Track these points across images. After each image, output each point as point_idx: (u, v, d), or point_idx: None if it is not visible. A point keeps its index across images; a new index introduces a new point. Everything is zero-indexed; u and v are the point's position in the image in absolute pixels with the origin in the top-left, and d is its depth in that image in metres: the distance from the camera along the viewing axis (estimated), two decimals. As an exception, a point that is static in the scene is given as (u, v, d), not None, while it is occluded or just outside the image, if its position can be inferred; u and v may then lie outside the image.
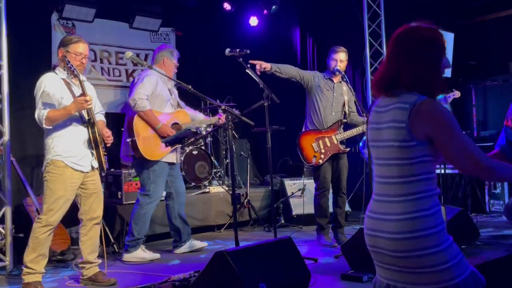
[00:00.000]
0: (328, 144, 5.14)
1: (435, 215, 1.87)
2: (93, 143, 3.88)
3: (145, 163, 4.80)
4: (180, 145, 4.55)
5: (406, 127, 1.86)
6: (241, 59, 4.36)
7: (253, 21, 8.70)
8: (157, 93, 4.81)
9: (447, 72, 8.73)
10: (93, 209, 4.02)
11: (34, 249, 3.79)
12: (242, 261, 2.86)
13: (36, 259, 3.81)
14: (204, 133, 4.78)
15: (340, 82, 5.20)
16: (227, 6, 8.21)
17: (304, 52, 8.78)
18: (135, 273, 4.41)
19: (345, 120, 5.25)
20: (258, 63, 4.83)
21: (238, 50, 4.38)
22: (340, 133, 5.17)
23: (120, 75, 7.77)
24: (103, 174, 4.07)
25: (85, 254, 4.04)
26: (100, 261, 4.21)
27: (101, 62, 7.59)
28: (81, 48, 3.94)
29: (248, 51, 4.41)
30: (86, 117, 3.88)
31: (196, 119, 5.16)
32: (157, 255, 4.97)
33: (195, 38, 8.37)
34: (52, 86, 3.80)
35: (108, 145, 4.03)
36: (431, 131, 1.85)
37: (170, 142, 4.28)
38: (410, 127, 1.86)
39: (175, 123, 4.94)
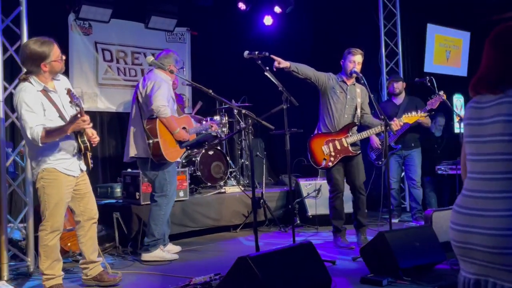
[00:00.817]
0: (338, 147, 5.16)
1: None
2: (82, 150, 3.86)
3: (162, 164, 4.85)
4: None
5: None
6: (259, 62, 4.36)
7: (268, 20, 8.70)
8: (168, 98, 4.89)
9: (463, 71, 8.69)
10: (89, 209, 4.06)
11: (47, 256, 3.81)
12: (264, 266, 2.88)
13: (51, 265, 3.83)
14: (224, 136, 4.77)
15: (354, 84, 5.19)
16: (242, 5, 8.22)
17: (318, 52, 8.74)
18: (154, 274, 4.44)
19: (357, 123, 5.23)
20: (278, 60, 4.86)
21: (257, 52, 4.37)
22: (350, 135, 5.16)
23: (136, 75, 7.82)
24: (87, 171, 4.06)
25: (87, 254, 4.06)
26: (101, 259, 4.25)
27: (117, 62, 7.65)
28: (57, 49, 3.76)
29: (267, 54, 4.41)
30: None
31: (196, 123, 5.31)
32: (175, 256, 5.04)
33: (210, 37, 8.40)
34: (32, 100, 3.60)
35: (94, 145, 3.93)
36: None
37: (191, 146, 4.32)
38: None
39: (183, 128, 5.01)
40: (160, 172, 4.87)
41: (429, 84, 6.01)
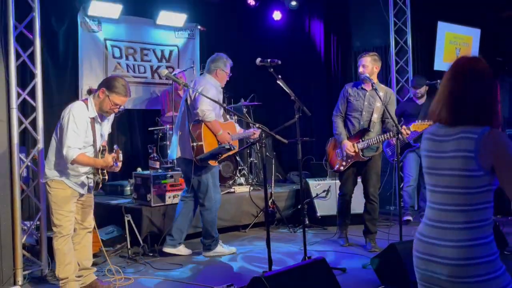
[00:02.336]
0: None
1: (491, 243, 1.98)
2: (97, 178, 4.04)
3: (204, 167, 5.00)
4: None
5: (475, 157, 1.93)
6: (271, 70, 4.36)
7: (277, 15, 8.68)
8: (214, 104, 4.95)
9: (473, 69, 8.62)
10: (87, 221, 4.21)
11: (60, 261, 3.97)
12: (279, 285, 2.92)
13: (64, 269, 3.96)
14: (237, 149, 4.79)
15: (375, 89, 5.02)
16: (251, 1, 8.20)
17: (328, 47, 8.73)
18: (166, 280, 4.49)
19: (371, 130, 5.21)
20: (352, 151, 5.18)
21: (269, 60, 4.36)
22: (362, 141, 5.18)
23: (145, 72, 7.83)
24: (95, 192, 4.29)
25: (81, 261, 4.17)
26: (95, 268, 4.36)
27: (127, 59, 7.65)
28: (121, 101, 3.96)
29: (280, 62, 4.39)
30: (100, 148, 4.02)
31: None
32: (233, 249, 5.37)
33: (220, 33, 8.36)
34: (80, 122, 3.84)
35: (116, 170, 4.05)
36: (495, 161, 1.92)
37: (205, 158, 4.35)
38: (478, 157, 1.92)
39: (227, 133, 5.14)
40: (204, 175, 5.04)
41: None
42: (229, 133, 5.13)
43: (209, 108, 4.89)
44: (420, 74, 6.69)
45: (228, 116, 5.37)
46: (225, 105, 5.12)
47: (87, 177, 4.06)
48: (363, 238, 5.47)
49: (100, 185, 4.13)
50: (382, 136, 5.14)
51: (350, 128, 5.29)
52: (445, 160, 2.02)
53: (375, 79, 5.17)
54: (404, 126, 5.04)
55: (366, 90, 5.24)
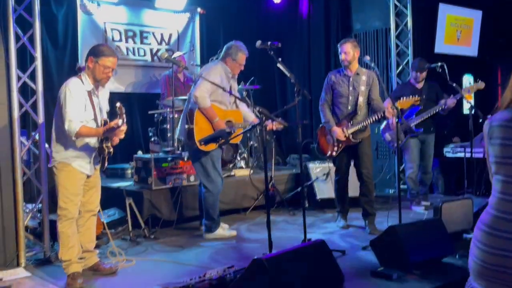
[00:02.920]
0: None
1: None
2: (104, 154, 4.02)
3: (209, 152, 5.03)
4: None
5: None
6: (272, 52, 4.34)
7: (277, -2, 8.61)
8: (217, 90, 4.92)
9: (474, 51, 8.62)
10: (91, 201, 4.21)
11: (63, 244, 3.99)
12: (279, 268, 2.95)
13: (68, 252, 3.99)
14: (238, 134, 4.81)
15: (358, 74, 5.24)
16: (251, -17, 8.13)
17: (328, 30, 8.68)
18: (167, 261, 4.53)
19: (358, 113, 5.28)
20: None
21: (269, 43, 4.35)
22: (351, 125, 5.28)
23: (145, 55, 7.82)
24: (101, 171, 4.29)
25: (84, 244, 4.20)
26: (97, 251, 4.39)
27: (126, 42, 7.64)
28: (111, 62, 3.94)
29: (280, 45, 4.38)
30: (102, 122, 4.00)
31: (248, 119, 5.34)
32: (233, 232, 5.42)
33: (219, 16, 8.33)
34: (78, 96, 3.85)
35: (122, 130, 4.00)
36: None
37: (205, 141, 4.37)
38: None
39: (229, 121, 5.16)
40: (204, 158, 5.07)
41: (440, 70, 5.99)
42: (230, 121, 5.13)
43: (204, 95, 4.89)
44: (421, 57, 6.65)
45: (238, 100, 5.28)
46: (235, 93, 5.05)
47: (94, 157, 4.05)
48: (362, 221, 5.52)
49: (106, 162, 4.10)
50: (371, 117, 5.25)
51: (338, 114, 5.39)
52: None
53: (356, 64, 5.31)
54: (389, 105, 5.06)
55: (349, 76, 5.33)
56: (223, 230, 5.36)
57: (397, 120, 4.77)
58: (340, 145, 5.36)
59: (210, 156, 5.06)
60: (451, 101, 6.08)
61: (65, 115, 3.78)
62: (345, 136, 5.28)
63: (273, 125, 4.79)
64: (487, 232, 1.97)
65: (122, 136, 3.97)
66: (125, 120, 3.77)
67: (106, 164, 4.14)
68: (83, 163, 3.99)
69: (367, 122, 5.27)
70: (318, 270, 3.17)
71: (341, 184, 5.55)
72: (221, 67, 5.09)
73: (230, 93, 4.66)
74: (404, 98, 5.14)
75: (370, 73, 5.38)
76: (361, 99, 5.28)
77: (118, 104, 3.81)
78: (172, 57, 5.13)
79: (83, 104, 3.87)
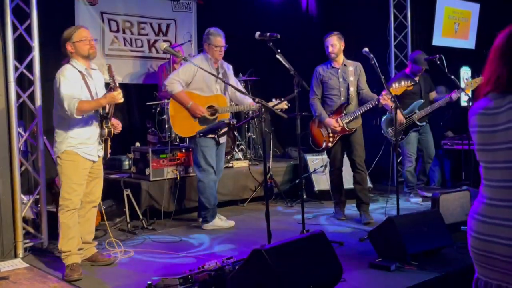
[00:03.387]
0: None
1: None
2: (105, 136, 4.05)
3: (196, 140, 5.15)
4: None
5: None
6: (271, 44, 4.32)
7: (275, -10, 8.57)
8: (197, 78, 5.11)
9: (471, 44, 8.62)
10: (93, 193, 4.20)
11: (64, 235, 3.98)
12: (278, 258, 2.95)
13: (68, 243, 3.98)
14: (236, 124, 4.80)
15: (345, 65, 5.38)
16: (249, -25, 8.08)
17: (325, 23, 8.64)
18: (165, 252, 4.54)
19: (351, 102, 5.38)
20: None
21: (268, 34, 4.32)
22: (344, 114, 5.35)
23: (142, 46, 7.76)
24: (104, 162, 4.32)
25: (83, 235, 4.19)
26: (96, 242, 4.38)
27: (124, 32, 7.57)
28: (84, 32, 4.01)
29: (279, 36, 4.36)
30: (102, 112, 4.01)
31: (243, 103, 5.33)
32: (232, 223, 5.43)
33: (217, 7, 8.26)
34: (72, 78, 3.88)
35: (117, 132, 4.17)
36: None
37: (204, 132, 4.37)
38: None
39: (211, 106, 5.16)
40: (195, 147, 5.19)
41: (438, 62, 5.99)
42: (213, 106, 5.14)
43: (171, 82, 5.05)
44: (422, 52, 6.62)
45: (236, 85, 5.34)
46: (220, 76, 5.12)
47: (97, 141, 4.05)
48: (357, 212, 5.54)
49: (110, 149, 4.13)
50: (365, 107, 5.30)
51: (332, 106, 5.45)
52: (500, 133, 1.90)
53: (342, 56, 5.45)
54: (383, 92, 5.08)
55: (337, 68, 5.44)
56: (221, 220, 5.38)
57: (394, 106, 4.79)
58: (336, 135, 5.42)
59: (199, 146, 5.12)
60: (455, 95, 6.08)
61: (62, 98, 3.79)
62: (340, 126, 5.31)
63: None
64: (477, 219, 1.99)
65: (120, 100, 3.91)
66: (116, 81, 3.87)
67: (109, 152, 4.15)
68: (87, 150, 3.98)
69: (361, 112, 5.34)
70: (317, 261, 3.17)
71: (336, 174, 5.59)
72: (200, 57, 5.23)
73: (224, 81, 4.67)
74: (396, 84, 5.21)
75: (356, 63, 5.52)
76: (352, 89, 5.40)
77: (107, 64, 3.93)
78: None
79: (78, 85, 3.88)
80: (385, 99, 5.09)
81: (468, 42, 8.58)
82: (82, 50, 3.95)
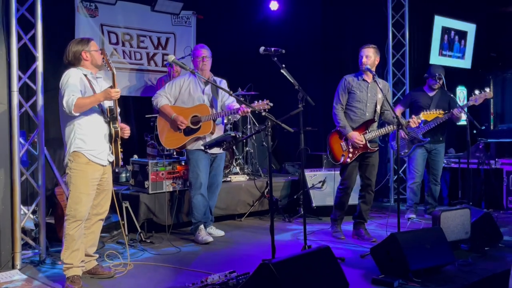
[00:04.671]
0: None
1: None
2: (114, 138, 4.02)
3: (187, 153, 5.38)
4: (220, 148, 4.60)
5: None
6: (275, 59, 4.34)
7: (273, 5, 8.61)
8: (183, 91, 5.36)
9: (467, 64, 8.73)
10: (101, 205, 4.16)
11: (68, 246, 3.93)
12: (286, 272, 2.94)
13: (71, 255, 3.93)
14: (242, 137, 4.80)
15: (375, 81, 5.12)
16: (249, -10, 8.14)
17: (326, 40, 8.72)
18: (166, 266, 4.49)
19: (376, 120, 5.28)
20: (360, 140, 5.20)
21: (273, 49, 4.35)
22: (369, 132, 5.21)
23: (141, 59, 7.76)
24: (116, 170, 4.22)
25: (86, 247, 4.15)
26: (97, 255, 4.34)
27: (123, 45, 7.58)
28: (95, 43, 4.15)
29: (283, 51, 4.39)
30: (109, 114, 4.00)
31: (224, 109, 5.40)
32: (221, 232, 5.63)
33: (216, 21, 8.32)
34: (76, 78, 3.93)
35: (126, 137, 4.15)
36: None
37: (210, 145, 4.36)
38: None
39: (195, 116, 5.25)
40: (188, 160, 5.38)
41: (438, 80, 6.04)
42: (196, 116, 5.23)
43: (157, 96, 5.34)
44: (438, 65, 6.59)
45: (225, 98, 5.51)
46: (207, 90, 5.41)
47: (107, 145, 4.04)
48: (350, 228, 5.53)
49: (121, 154, 4.09)
50: (388, 127, 5.21)
51: (353, 119, 5.28)
52: None
53: (373, 71, 5.22)
54: (413, 116, 5.13)
55: (368, 82, 5.27)
56: (207, 234, 5.37)
57: (396, 123, 4.78)
58: (356, 152, 5.23)
59: (187, 159, 5.38)
60: (459, 112, 6.02)
61: (63, 95, 3.83)
62: (363, 141, 5.20)
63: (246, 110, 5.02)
64: None
65: (115, 95, 3.86)
66: (112, 67, 3.94)
67: (121, 158, 4.09)
68: (95, 152, 3.94)
69: (385, 131, 5.22)
70: (324, 276, 3.16)
71: (346, 193, 5.36)
72: (187, 75, 5.44)
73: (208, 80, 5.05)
74: (428, 110, 5.27)
75: (385, 82, 5.42)
76: (378, 107, 5.27)
77: (100, 49, 4.05)
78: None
79: (82, 85, 3.92)
80: (415, 122, 5.09)
81: (465, 61, 8.69)
82: (97, 59, 4.06)
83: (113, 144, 4.04)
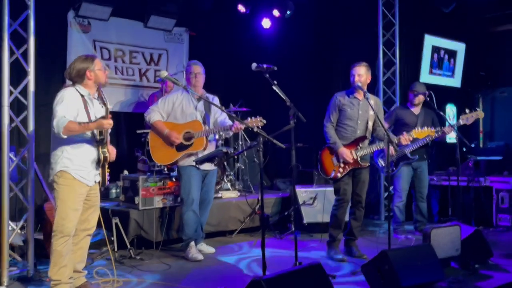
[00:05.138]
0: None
1: None
2: (101, 161, 4.02)
3: (178, 169, 5.35)
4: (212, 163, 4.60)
5: None
6: (267, 75, 4.37)
7: (266, 23, 8.69)
8: (176, 107, 5.34)
9: (457, 82, 8.82)
10: (88, 220, 4.14)
11: (55, 262, 3.90)
12: (277, 289, 2.93)
13: (59, 271, 3.90)
14: (234, 153, 4.81)
15: (367, 98, 5.11)
16: (241, 8, 8.21)
17: (317, 58, 8.79)
18: (157, 283, 4.46)
19: (368, 137, 5.30)
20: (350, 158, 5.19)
21: (265, 66, 4.39)
22: (360, 148, 5.22)
23: (133, 74, 7.79)
24: (102, 189, 4.25)
25: (74, 263, 4.11)
26: (86, 272, 4.30)
27: (115, 61, 7.61)
28: (100, 62, 4.12)
29: (275, 68, 4.42)
30: (98, 137, 3.98)
31: (224, 124, 5.35)
32: (212, 249, 5.60)
33: (209, 39, 8.37)
34: (71, 99, 3.89)
35: (112, 160, 4.14)
36: None
37: (201, 161, 4.37)
38: None
39: (187, 132, 5.24)
40: (180, 176, 5.35)
41: (428, 99, 6.10)
42: (189, 132, 5.21)
43: (150, 111, 5.34)
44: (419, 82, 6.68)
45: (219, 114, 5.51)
46: (200, 106, 5.42)
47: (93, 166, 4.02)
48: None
49: (108, 175, 4.09)
50: (379, 144, 5.25)
51: (345, 136, 5.29)
52: None
53: (365, 88, 5.24)
54: (404, 133, 5.16)
55: (359, 99, 5.29)
56: (197, 252, 5.32)
57: (386, 140, 4.80)
58: (347, 167, 5.23)
59: (179, 175, 5.36)
60: (449, 129, 6.02)
61: (54, 115, 3.79)
62: (353, 158, 5.22)
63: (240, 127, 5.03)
64: None
65: (107, 126, 3.87)
66: (108, 108, 3.89)
67: (107, 178, 4.10)
68: (82, 173, 3.93)
69: (376, 147, 5.26)
70: (314, 293, 3.15)
71: (342, 210, 5.30)
72: (180, 91, 5.41)
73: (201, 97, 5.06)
74: (420, 128, 5.34)
75: (376, 98, 5.45)
76: (370, 124, 5.29)
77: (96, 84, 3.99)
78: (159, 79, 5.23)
79: (75, 107, 3.88)
80: (407, 139, 5.15)
81: (455, 80, 8.78)
82: (101, 77, 4.04)
83: (101, 167, 4.05)
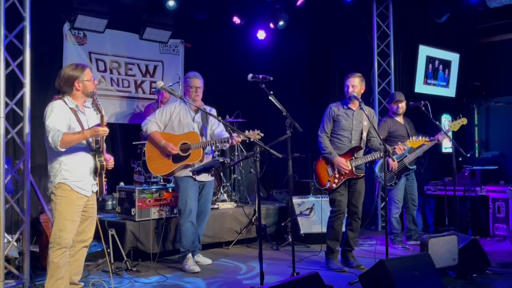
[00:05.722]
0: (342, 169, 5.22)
1: None
2: (98, 170, 4.00)
3: (175, 180, 5.33)
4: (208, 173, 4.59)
5: None
6: (263, 85, 4.39)
7: (261, 34, 8.73)
8: (173, 118, 5.32)
9: (451, 92, 8.87)
10: (85, 232, 4.11)
11: (52, 274, 3.88)
12: (275, 299, 2.91)
13: (55, 283, 3.87)
14: (231, 163, 4.80)
15: (361, 108, 5.16)
16: (236, 19, 8.24)
17: (312, 68, 8.82)
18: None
19: (362, 147, 5.31)
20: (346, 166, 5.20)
21: (261, 76, 4.40)
22: (355, 158, 5.23)
23: (129, 86, 7.79)
24: (100, 198, 4.21)
25: (70, 275, 4.08)
26: (82, 284, 4.26)
27: (111, 72, 7.62)
28: (90, 72, 4.07)
29: (271, 78, 4.43)
30: (94, 146, 3.97)
31: (213, 138, 5.35)
32: (208, 260, 5.58)
33: (204, 50, 8.41)
34: (60, 111, 3.87)
35: (110, 168, 4.12)
36: None
37: (198, 171, 4.36)
38: None
39: (184, 143, 5.22)
40: (177, 187, 5.33)
41: (423, 109, 6.13)
42: (186, 143, 5.19)
43: (147, 122, 5.32)
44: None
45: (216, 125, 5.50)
46: (198, 118, 5.41)
47: (91, 177, 4.00)
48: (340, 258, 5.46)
49: (105, 185, 4.07)
50: (375, 154, 5.25)
51: (339, 146, 5.30)
52: None
53: (360, 99, 5.26)
54: (399, 143, 5.20)
55: (353, 110, 5.32)
56: (194, 265, 5.28)
57: (383, 153, 4.83)
58: (342, 177, 5.23)
59: (176, 185, 5.34)
60: (443, 137, 6.10)
61: (47, 130, 3.78)
62: (349, 168, 5.21)
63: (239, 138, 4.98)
64: None
65: (102, 133, 3.84)
66: (103, 115, 3.83)
67: (105, 187, 4.08)
68: (81, 184, 3.92)
69: (371, 158, 5.26)
70: (313, 303, 3.14)
71: (339, 221, 5.28)
72: (178, 102, 5.40)
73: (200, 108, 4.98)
74: (415, 138, 5.40)
75: (371, 109, 5.48)
76: (364, 134, 5.31)
77: (91, 92, 3.95)
78: (156, 90, 5.22)
79: (66, 119, 3.86)
80: (401, 150, 5.20)
81: (449, 90, 8.83)
82: (89, 88, 3.99)
83: (98, 176, 4.03)
